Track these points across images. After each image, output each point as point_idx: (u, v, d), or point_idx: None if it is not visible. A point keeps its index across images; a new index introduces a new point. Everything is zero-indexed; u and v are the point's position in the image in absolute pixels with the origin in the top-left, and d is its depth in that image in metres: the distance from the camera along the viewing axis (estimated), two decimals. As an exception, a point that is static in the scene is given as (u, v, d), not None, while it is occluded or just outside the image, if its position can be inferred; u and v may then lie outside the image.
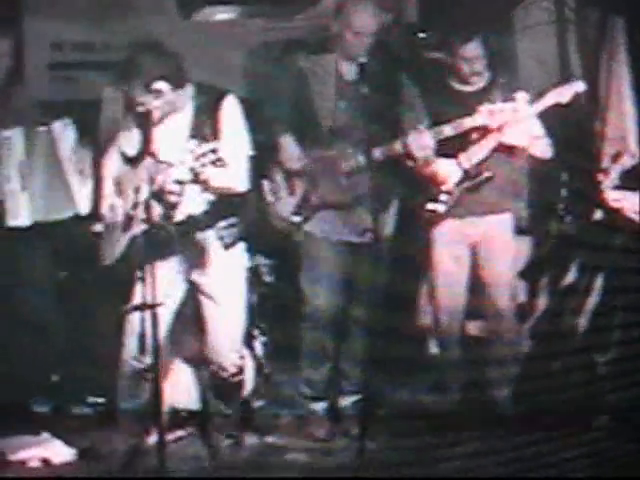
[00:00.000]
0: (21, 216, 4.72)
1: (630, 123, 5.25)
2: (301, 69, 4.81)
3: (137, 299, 4.21)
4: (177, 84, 4.24)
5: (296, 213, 4.81)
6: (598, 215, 4.89)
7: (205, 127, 4.19)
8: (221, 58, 5.52)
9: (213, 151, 3.98)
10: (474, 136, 4.79)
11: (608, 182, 4.85)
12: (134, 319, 4.25)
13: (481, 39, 4.70)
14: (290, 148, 4.74)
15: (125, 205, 4.36)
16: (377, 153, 4.60)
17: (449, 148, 4.76)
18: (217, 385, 4.56)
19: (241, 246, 4.50)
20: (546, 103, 4.72)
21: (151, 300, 4.01)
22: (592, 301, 4.85)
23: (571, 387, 4.65)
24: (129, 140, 4.38)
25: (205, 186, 4.21)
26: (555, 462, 4.16)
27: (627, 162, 4.92)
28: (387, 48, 4.88)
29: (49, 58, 5.64)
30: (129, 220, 4.32)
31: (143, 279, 4.03)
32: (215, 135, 4.21)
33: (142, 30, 5.46)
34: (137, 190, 4.26)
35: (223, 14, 5.29)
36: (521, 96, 4.72)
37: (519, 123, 4.71)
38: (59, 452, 4.47)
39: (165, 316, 4.29)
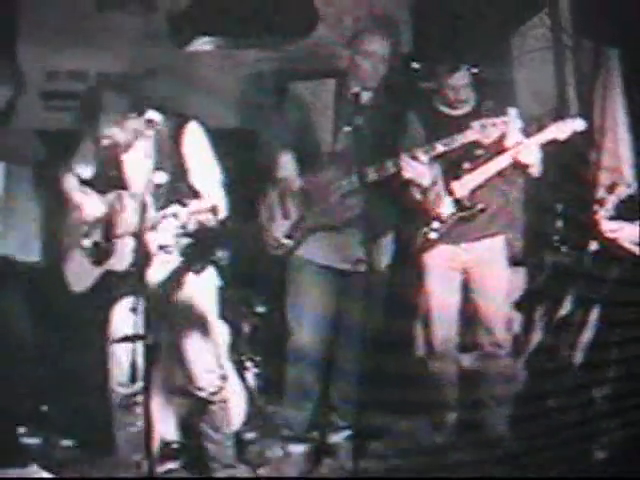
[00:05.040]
0: None
1: (625, 153, 5.24)
2: (301, 97, 4.82)
3: (121, 330, 4.21)
4: (140, 111, 4.22)
5: (288, 236, 4.79)
6: (594, 246, 4.86)
7: (169, 156, 4.14)
8: (215, 88, 5.53)
9: (213, 210, 3.97)
10: (467, 165, 4.79)
11: (604, 212, 4.80)
12: (117, 348, 4.26)
13: (467, 69, 4.74)
14: (289, 166, 4.74)
15: (93, 234, 4.33)
16: (370, 174, 4.59)
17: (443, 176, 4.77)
18: (200, 409, 4.51)
19: (211, 270, 4.45)
20: (544, 138, 4.73)
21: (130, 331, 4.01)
22: (588, 333, 4.79)
23: (567, 422, 4.59)
24: (84, 163, 4.37)
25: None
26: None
27: (623, 192, 4.87)
28: (386, 79, 4.90)
29: (43, 87, 5.62)
30: (102, 253, 4.29)
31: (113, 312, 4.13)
32: (180, 165, 4.17)
33: (134, 60, 5.50)
34: (108, 222, 4.24)
35: (216, 44, 5.30)
36: (512, 111, 4.73)
37: (513, 150, 4.71)
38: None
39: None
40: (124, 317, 4.26)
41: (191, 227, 3.98)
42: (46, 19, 5.59)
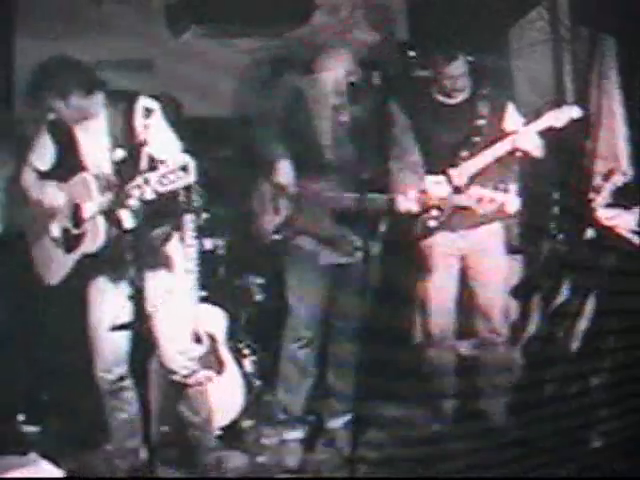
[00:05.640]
0: None
1: (621, 141, 5.27)
2: (298, 88, 4.83)
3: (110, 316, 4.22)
4: (88, 91, 4.21)
5: (277, 232, 4.80)
6: (590, 233, 4.89)
7: (124, 133, 4.10)
8: (211, 77, 5.54)
9: (183, 168, 3.91)
10: (465, 153, 4.79)
11: (600, 200, 4.86)
12: (98, 335, 4.27)
13: (465, 57, 4.75)
14: (286, 172, 4.72)
15: (60, 223, 4.28)
16: (363, 201, 4.53)
17: (440, 165, 4.79)
18: (179, 392, 4.49)
19: (174, 242, 4.40)
20: (541, 125, 4.73)
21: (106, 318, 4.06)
22: (584, 321, 4.81)
23: (564, 410, 4.59)
24: (42, 155, 4.34)
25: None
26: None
27: (619, 180, 4.93)
28: (378, 68, 4.90)
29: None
30: (73, 239, 4.25)
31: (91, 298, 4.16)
32: (137, 140, 4.08)
33: (131, 49, 5.52)
34: (76, 207, 4.21)
35: (212, 33, 5.31)
36: (509, 196, 4.70)
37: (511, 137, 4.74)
38: (47, 473, 4.34)
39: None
40: (112, 303, 4.26)
41: (162, 190, 3.89)
42: (43, 10, 5.60)
